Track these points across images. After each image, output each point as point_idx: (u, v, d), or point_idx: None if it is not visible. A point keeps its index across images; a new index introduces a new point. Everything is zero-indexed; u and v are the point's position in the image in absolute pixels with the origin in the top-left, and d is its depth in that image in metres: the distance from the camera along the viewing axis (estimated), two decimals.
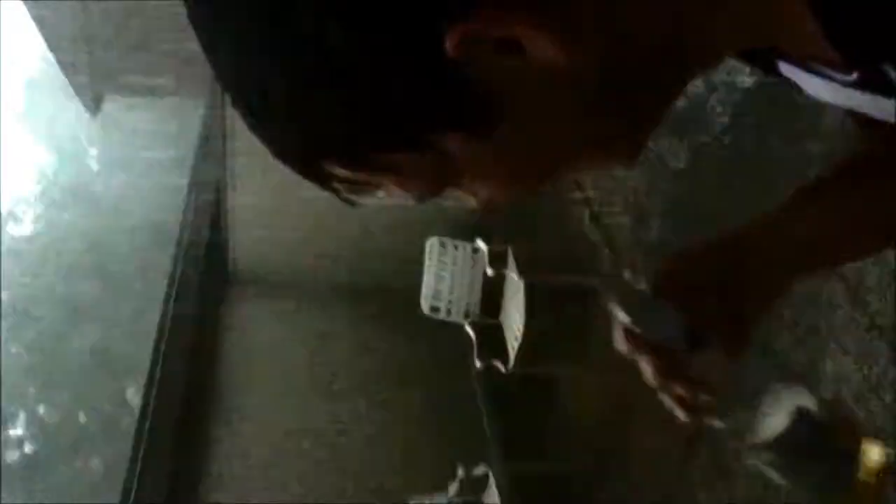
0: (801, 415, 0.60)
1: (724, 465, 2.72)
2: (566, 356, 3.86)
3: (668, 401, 0.64)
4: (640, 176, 3.43)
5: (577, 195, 4.00)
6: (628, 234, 3.61)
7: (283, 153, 0.54)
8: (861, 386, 2.19)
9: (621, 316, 0.61)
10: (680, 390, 0.63)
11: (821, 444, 0.62)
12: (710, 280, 0.64)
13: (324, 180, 0.55)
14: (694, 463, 2.94)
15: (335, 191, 0.56)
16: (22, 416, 12.44)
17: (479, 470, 3.73)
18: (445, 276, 4.00)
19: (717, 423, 0.63)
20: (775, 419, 0.60)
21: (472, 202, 0.59)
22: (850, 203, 0.70)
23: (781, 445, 0.61)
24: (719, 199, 2.92)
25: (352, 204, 0.57)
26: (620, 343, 0.63)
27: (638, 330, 0.61)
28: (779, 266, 0.66)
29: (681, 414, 0.63)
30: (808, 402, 0.61)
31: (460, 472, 3.71)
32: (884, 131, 0.67)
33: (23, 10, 8.60)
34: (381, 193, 0.56)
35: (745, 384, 0.61)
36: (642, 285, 0.62)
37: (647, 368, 0.63)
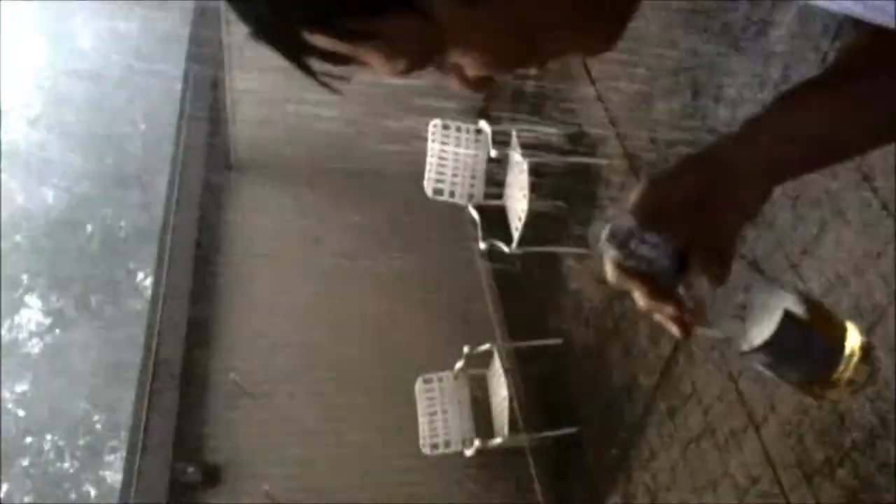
0: (788, 317, 0.63)
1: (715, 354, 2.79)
2: (569, 237, 3.88)
3: (661, 320, 0.66)
4: (643, 60, 3.35)
5: (583, 75, 3.92)
6: (634, 114, 3.56)
7: (262, 25, 0.53)
8: (862, 261, 2.21)
9: (610, 252, 0.63)
10: (671, 310, 0.64)
11: (808, 340, 0.65)
12: (689, 198, 0.64)
13: (305, 59, 0.53)
14: (684, 346, 3.01)
15: (316, 75, 0.55)
16: (37, 305, 12.69)
17: (484, 347, 3.84)
18: (448, 157, 3.98)
19: (713, 333, 0.66)
20: (764, 326, 0.63)
21: (454, 83, 0.58)
22: (826, 106, 0.68)
23: (772, 348, 0.64)
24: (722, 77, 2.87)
25: (334, 89, 0.56)
26: (611, 276, 0.64)
27: (627, 262, 0.63)
28: (756, 174, 0.65)
29: (675, 330, 0.65)
30: (792, 304, 0.64)
31: (466, 349, 3.82)
32: (869, 38, 0.67)
33: None
34: (363, 69, 0.55)
35: (731, 295, 0.64)
36: (628, 217, 0.63)
37: (638, 296, 0.64)
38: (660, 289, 0.64)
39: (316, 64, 0.55)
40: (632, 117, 3.55)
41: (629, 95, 3.60)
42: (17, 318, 13.50)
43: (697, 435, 2.87)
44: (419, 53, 0.55)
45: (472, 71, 0.57)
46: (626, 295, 0.66)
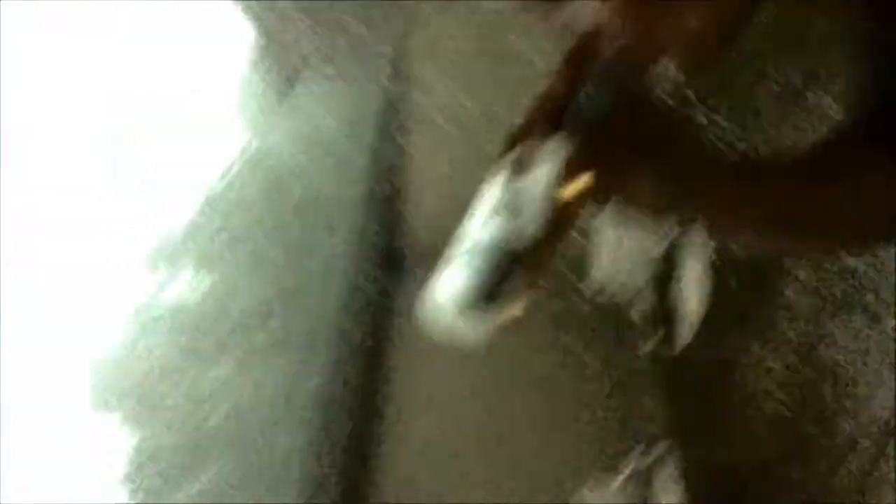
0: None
1: None
2: (743, 337, 3.65)
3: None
4: None
5: None
6: None
7: None
8: None
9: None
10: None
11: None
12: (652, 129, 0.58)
13: None
14: (890, 460, 2.69)
15: None
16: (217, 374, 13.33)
17: (651, 458, 3.63)
18: (612, 255, 3.91)
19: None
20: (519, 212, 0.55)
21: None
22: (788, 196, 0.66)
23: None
24: None
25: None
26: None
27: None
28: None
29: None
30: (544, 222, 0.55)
31: (633, 459, 3.63)
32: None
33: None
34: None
35: None
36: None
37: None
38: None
39: None
40: None
41: None
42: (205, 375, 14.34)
43: None
44: None
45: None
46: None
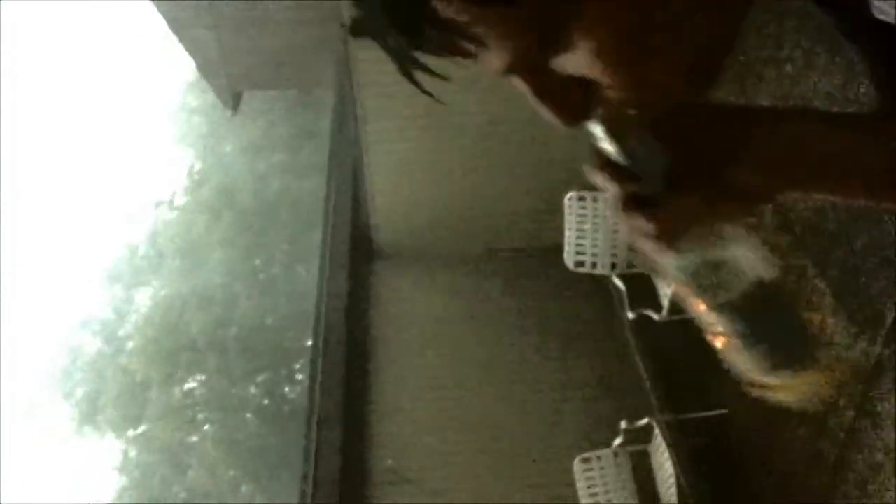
0: (761, 281, 0.59)
1: None
2: None
3: (624, 229, 0.60)
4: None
5: None
6: None
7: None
8: None
9: (601, 139, 0.56)
10: (640, 223, 0.58)
11: (779, 310, 0.60)
12: (709, 142, 0.59)
13: (423, 35, 0.50)
14: (867, 409, 2.73)
15: (416, 74, 0.51)
16: (200, 380, 12.99)
17: (643, 421, 3.66)
18: (587, 229, 3.91)
19: (673, 266, 0.60)
20: (737, 280, 0.59)
21: (551, 100, 0.53)
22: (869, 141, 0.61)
23: (742, 307, 0.59)
24: None
25: (410, 73, 0.52)
26: (595, 167, 0.58)
27: (616, 156, 0.57)
28: (775, 168, 0.60)
29: (641, 240, 0.59)
30: (766, 266, 0.59)
31: (623, 424, 3.65)
32: None
33: (161, 24, 9.14)
34: (473, 56, 0.51)
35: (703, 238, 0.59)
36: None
37: (615, 196, 0.58)
38: (637, 199, 0.58)
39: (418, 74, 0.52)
40: None
41: None
42: (183, 387, 13.98)
43: None
44: (545, 34, 0.50)
45: (594, 72, 0.52)
46: None
